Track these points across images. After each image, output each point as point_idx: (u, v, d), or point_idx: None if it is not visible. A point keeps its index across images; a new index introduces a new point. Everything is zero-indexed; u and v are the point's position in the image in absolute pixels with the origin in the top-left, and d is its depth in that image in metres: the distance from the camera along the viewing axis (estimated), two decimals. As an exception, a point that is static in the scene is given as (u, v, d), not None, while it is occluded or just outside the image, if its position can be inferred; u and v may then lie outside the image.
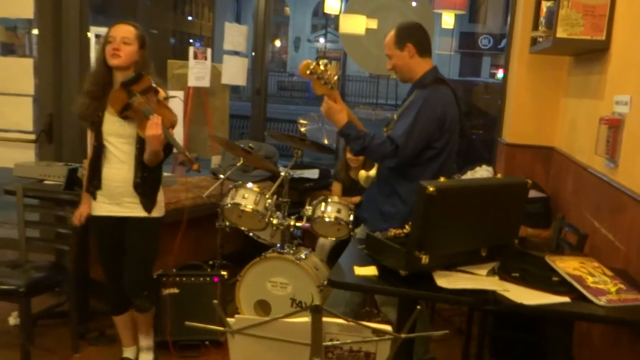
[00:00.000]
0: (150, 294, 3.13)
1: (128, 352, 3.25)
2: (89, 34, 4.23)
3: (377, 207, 2.99)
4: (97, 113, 2.91)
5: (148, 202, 2.97)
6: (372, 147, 2.77)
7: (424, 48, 2.93)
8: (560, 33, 3.26)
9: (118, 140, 2.91)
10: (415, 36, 2.91)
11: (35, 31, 4.20)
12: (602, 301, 2.07)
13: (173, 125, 2.87)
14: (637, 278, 2.39)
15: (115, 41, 2.83)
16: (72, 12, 4.09)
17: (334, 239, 3.72)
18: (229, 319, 1.49)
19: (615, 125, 2.80)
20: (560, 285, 2.19)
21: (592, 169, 3.20)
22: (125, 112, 2.81)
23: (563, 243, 3.05)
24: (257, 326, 1.48)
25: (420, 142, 2.80)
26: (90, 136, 3.02)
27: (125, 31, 2.86)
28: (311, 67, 2.68)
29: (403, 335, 1.45)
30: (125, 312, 3.17)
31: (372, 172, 3.13)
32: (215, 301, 1.50)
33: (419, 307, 1.49)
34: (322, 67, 2.70)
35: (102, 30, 4.14)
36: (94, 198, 3.00)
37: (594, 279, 2.20)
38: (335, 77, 2.74)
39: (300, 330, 1.47)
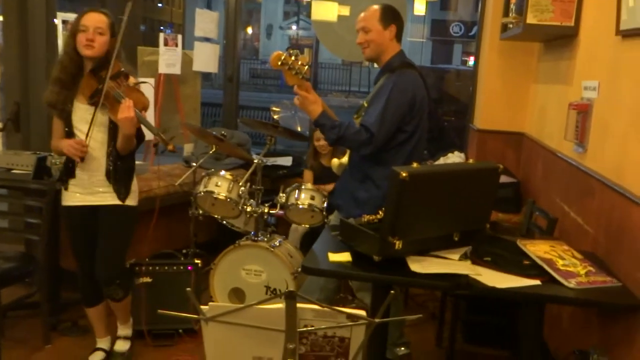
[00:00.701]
0: (123, 282, 3.08)
1: (102, 342, 3.21)
2: (56, 21, 4.14)
3: (350, 193, 3.00)
4: (68, 102, 2.85)
5: (122, 189, 2.93)
6: (348, 137, 2.79)
7: (401, 33, 2.99)
8: (531, 19, 3.29)
9: (90, 128, 2.86)
10: (400, 20, 2.97)
11: (0, 17, 4.10)
12: (571, 283, 2.11)
13: (145, 108, 2.84)
14: (605, 260, 2.44)
15: (89, 31, 2.76)
16: (38, -2, 4.01)
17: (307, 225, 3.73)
18: (203, 307, 1.48)
19: (583, 111, 2.84)
20: (532, 268, 2.23)
21: (561, 154, 3.25)
22: (95, 98, 2.77)
23: (533, 227, 3.10)
24: (231, 313, 1.48)
25: (393, 127, 2.82)
26: (56, 124, 2.95)
27: (98, 21, 2.79)
28: (282, 57, 2.68)
29: (377, 320, 1.46)
30: (98, 304, 3.14)
31: (345, 159, 3.13)
32: (188, 289, 1.49)
33: (392, 291, 1.50)
34: (293, 58, 2.69)
35: (70, 17, 4.07)
36: (66, 188, 2.95)
37: (564, 262, 2.24)
38: (306, 67, 2.74)
39: (275, 316, 1.47)
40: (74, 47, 2.80)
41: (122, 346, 3.22)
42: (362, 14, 2.96)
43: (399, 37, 2.97)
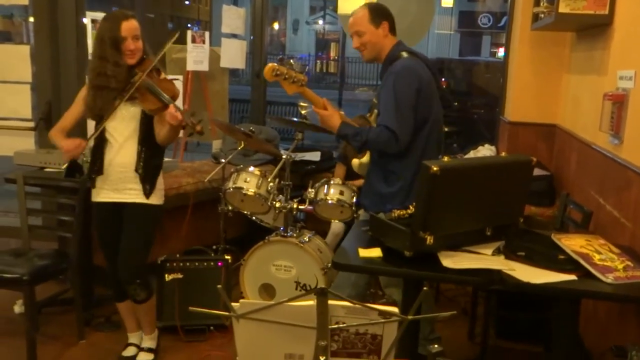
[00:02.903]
0: (145, 282, 3.07)
1: (133, 337, 3.25)
2: (85, 20, 4.19)
3: (375, 191, 2.97)
4: (106, 104, 2.87)
5: (147, 186, 2.96)
6: (371, 139, 2.77)
7: (394, 27, 2.96)
8: (563, 8, 3.23)
9: (121, 123, 2.90)
10: (389, 15, 2.94)
11: (32, 18, 4.15)
12: (609, 279, 2.06)
13: (175, 96, 2.88)
14: (643, 254, 2.37)
15: (129, 41, 2.81)
16: (67, -3, 4.05)
17: (343, 224, 3.72)
18: (234, 304, 1.47)
19: (619, 101, 2.77)
20: (567, 263, 2.18)
21: (596, 146, 3.18)
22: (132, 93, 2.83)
23: (568, 221, 3.04)
24: (262, 310, 1.47)
25: (411, 117, 2.78)
26: (70, 115, 3.01)
27: (134, 28, 2.83)
28: (276, 69, 2.68)
29: (410, 317, 1.44)
30: (128, 299, 3.16)
31: (365, 158, 3.10)
32: (219, 286, 1.49)
33: (426, 288, 1.48)
34: (286, 67, 2.68)
35: (99, 16, 4.11)
36: (94, 185, 2.99)
37: (601, 257, 2.18)
38: (303, 75, 2.73)
39: (306, 313, 1.46)
40: (120, 56, 2.82)
41: (145, 357, 3.20)
42: (351, 19, 2.94)
43: (393, 31, 2.94)
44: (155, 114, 2.85)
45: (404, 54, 2.88)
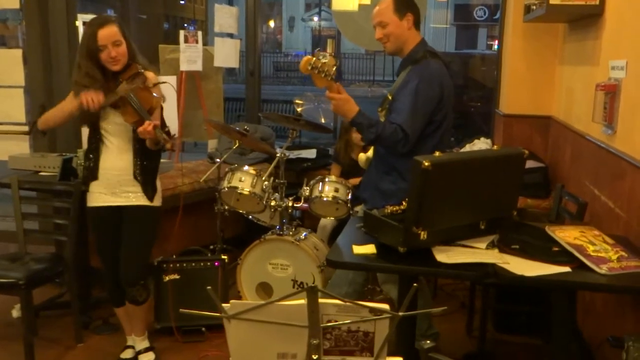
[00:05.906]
0: (146, 284, 3.08)
1: (132, 340, 3.24)
2: (77, 22, 4.17)
3: (375, 185, 2.96)
4: (96, 114, 2.86)
5: (149, 189, 2.95)
6: (385, 136, 2.73)
7: (418, 20, 2.91)
8: (554, -1, 3.22)
9: (116, 128, 2.89)
10: (414, 7, 2.89)
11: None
12: (603, 270, 2.05)
13: (152, 108, 2.83)
14: (638, 245, 2.37)
15: (108, 49, 2.77)
16: (58, 0, 4.04)
17: (332, 218, 3.71)
18: (224, 305, 1.47)
19: (611, 91, 2.77)
20: (561, 255, 2.17)
21: (589, 137, 3.17)
22: (111, 101, 2.81)
23: (563, 212, 3.03)
24: (254, 310, 1.46)
25: (424, 122, 2.78)
26: (68, 103, 2.95)
27: (112, 35, 2.78)
28: (312, 62, 2.63)
29: (401, 314, 1.43)
30: (126, 304, 3.16)
31: (370, 152, 3.10)
32: (208, 287, 1.48)
33: (416, 284, 1.47)
34: (322, 60, 2.65)
35: (90, 18, 4.09)
36: (88, 189, 2.98)
37: (595, 248, 2.18)
38: (334, 68, 2.70)
39: (297, 312, 1.45)
40: (100, 66, 2.80)
41: (147, 358, 3.20)
42: (376, 8, 2.89)
43: (417, 25, 2.89)
44: (134, 127, 2.81)
45: (429, 56, 2.84)
